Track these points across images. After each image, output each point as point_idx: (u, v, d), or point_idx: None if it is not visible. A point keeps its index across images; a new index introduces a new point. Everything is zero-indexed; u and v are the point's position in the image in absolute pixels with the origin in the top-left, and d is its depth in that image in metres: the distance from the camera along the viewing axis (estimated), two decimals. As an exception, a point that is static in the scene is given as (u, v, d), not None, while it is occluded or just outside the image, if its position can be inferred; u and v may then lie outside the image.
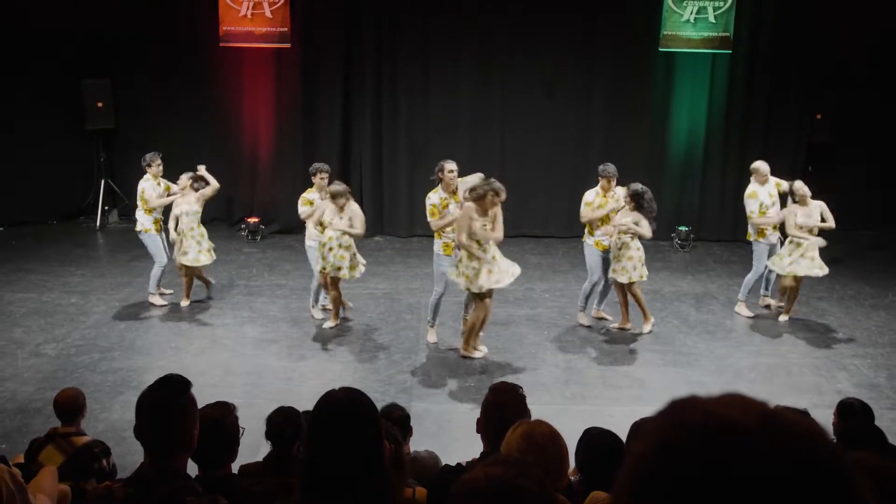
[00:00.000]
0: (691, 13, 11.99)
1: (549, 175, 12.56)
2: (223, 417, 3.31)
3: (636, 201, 8.14)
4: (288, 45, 12.26)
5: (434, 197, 7.87)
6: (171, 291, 9.37)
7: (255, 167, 12.83)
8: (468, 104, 12.39)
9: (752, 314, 9.17)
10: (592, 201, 8.46)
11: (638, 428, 3.38)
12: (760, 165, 9.00)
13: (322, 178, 8.58)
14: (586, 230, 8.70)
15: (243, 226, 12.38)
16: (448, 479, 2.88)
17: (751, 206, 8.91)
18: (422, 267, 10.75)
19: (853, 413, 4.57)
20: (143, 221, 9.11)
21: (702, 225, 12.56)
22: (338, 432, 2.24)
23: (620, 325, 8.65)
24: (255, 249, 11.72)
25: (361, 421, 2.27)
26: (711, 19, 12.01)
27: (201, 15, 12.27)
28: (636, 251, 8.23)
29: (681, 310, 9.36)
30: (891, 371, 7.73)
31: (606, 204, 8.43)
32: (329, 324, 8.59)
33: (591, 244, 8.59)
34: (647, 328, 8.58)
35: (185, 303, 9.13)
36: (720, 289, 10.20)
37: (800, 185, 8.76)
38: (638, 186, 8.21)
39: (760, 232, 9.01)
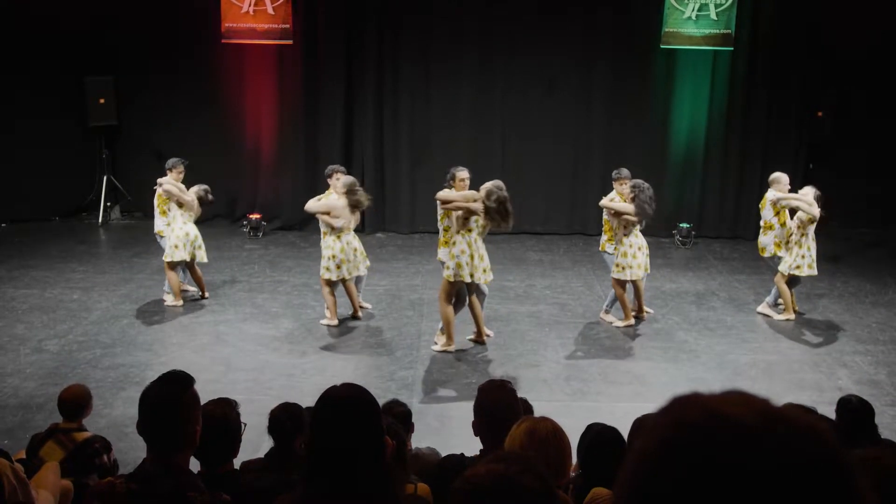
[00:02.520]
0: (693, 10, 11.97)
1: (550, 172, 12.55)
2: (225, 414, 3.31)
3: (633, 193, 8.23)
4: (290, 42, 12.26)
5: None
6: (194, 289, 9.35)
7: (257, 163, 12.84)
8: (469, 101, 12.38)
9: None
10: None
11: (640, 425, 3.38)
12: (781, 177, 8.86)
13: (338, 179, 8.60)
14: (605, 238, 8.74)
15: (245, 222, 12.39)
16: (451, 469, 2.88)
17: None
18: (423, 263, 10.75)
19: (850, 410, 4.58)
20: (158, 224, 9.17)
21: (703, 222, 12.56)
22: (339, 428, 2.24)
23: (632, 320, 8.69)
24: (256, 246, 11.73)
25: (362, 417, 2.27)
26: (713, 16, 11.99)
27: (203, 11, 12.27)
28: (629, 248, 8.33)
29: (681, 306, 9.35)
30: (891, 368, 7.73)
31: None
32: (326, 321, 8.61)
33: (612, 251, 8.63)
34: (619, 323, 8.62)
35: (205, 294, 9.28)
36: (721, 286, 10.20)
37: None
38: (639, 181, 8.30)
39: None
